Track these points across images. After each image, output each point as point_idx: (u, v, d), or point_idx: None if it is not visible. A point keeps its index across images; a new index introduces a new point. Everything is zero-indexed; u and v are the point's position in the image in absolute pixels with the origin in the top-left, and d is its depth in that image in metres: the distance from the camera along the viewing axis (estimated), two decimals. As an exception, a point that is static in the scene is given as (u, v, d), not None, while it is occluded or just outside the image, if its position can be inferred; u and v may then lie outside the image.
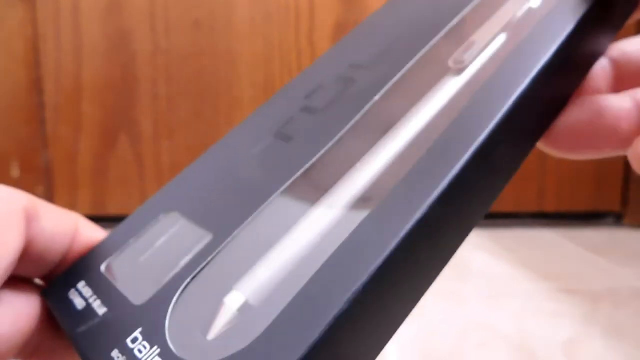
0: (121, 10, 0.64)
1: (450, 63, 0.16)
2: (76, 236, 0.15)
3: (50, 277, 0.15)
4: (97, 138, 0.65)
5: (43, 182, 0.65)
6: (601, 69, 0.17)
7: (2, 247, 0.12)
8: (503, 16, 0.17)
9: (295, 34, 0.65)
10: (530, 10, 0.16)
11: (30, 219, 0.14)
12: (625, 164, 0.63)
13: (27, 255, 0.14)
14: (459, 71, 0.16)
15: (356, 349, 0.11)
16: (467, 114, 0.13)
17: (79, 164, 0.65)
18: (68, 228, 0.15)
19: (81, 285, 0.14)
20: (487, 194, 0.14)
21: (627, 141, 0.16)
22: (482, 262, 0.55)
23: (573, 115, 0.16)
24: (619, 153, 0.16)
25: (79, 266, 0.15)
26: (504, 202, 0.66)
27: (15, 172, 0.65)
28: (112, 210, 0.65)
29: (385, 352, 0.39)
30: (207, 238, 0.14)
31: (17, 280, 0.14)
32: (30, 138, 0.65)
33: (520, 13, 0.17)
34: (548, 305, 0.47)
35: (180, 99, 0.65)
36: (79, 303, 0.14)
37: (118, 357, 0.12)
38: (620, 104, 0.16)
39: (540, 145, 0.16)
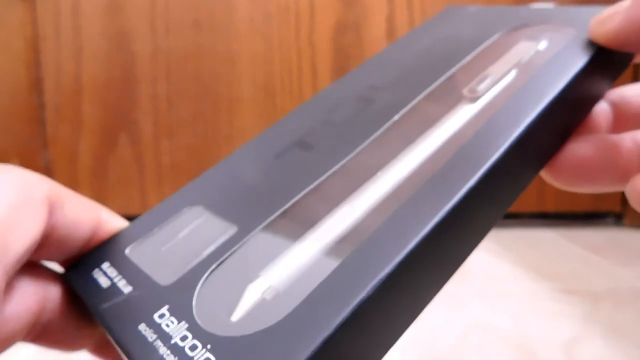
0: (121, 11, 0.64)
1: (465, 92, 0.18)
2: (98, 225, 0.16)
3: (69, 262, 0.16)
4: (97, 138, 0.65)
5: (43, 182, 0.65)
6: (602, 110, 0.19)
7: (21, 234, 0.13)
8: (514, 55, 0.19)
9: (295, 34, 0.65)
10: (538, 52, 0.19)
11: (53, 206, 0.14)
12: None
13: (49, 241, 0.14)
14: (473, 100, 0.17)
15: (365, 347, 0.12)
16: (477, 140, 0.15)
17: (79, 164, 0.65)
18: (90, 217, 0.15)
19: (105, 265, 0.15)
20: (488, 216, 0.15)
21: (625, 178, 0.17)
22: (482, 262, 0.55)
23: (576, 150, 0.17)
24: (617, 189, 0.18)
25: (103, 249, 0.16)
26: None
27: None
28: (112, 210, 0.65)
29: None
30: (232, 230, 0.15)
31: (34, 264, 0.15)
32: (30, 138, 0.65)
33: (529, 54, 0.19)
34: (548, 305, 0.47)
35: (180, 99, 0.65)
36: (104, 282, 0.14)
37: (145, 331, 0.12)
38: (621, 142, 0.17)
39: (544, 175, 0.17)
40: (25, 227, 0.13)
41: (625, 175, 0.17)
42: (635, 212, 0.67)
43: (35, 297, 0.14)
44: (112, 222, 0.16)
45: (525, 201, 0.66)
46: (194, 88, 0.65)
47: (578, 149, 0.17)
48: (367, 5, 0.65)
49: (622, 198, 0.65)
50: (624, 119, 0.19)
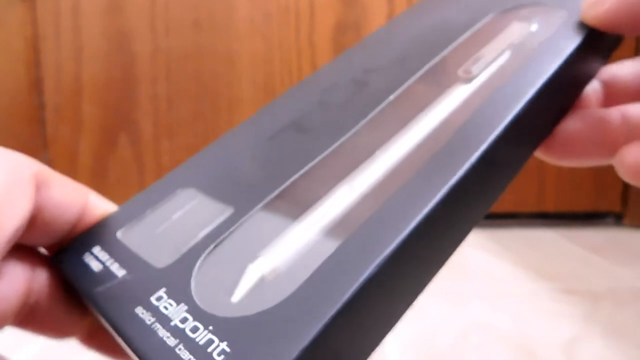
0: (121, 11, 0.64)
1: (460, 72, 0.18)
2: (86, 208, 0.15)
3: (56, 247, 0.15)
4: (97, 138, 0.65)
5: (43, 182, 0.65)
6: (592, 89, 0.19)
7: (12, 213, 0.12)
8: (507, 36, 0.19)
9: (295, 34, 0.65)
10: (530, 33, 0.19)
11: (40, 186, 0.14)
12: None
13: (36, 223, 0.14)
14: (468, 80, 0.17)
15: (368, 327, 0.12)
16: (475, 120, 0.15)
17: (79, 164, 0.65)
18: (78, 198, 0.15)
19: (96, 249, 0.15)
20: (487, 196, 0.15)
21: (613, 150, 0.17)
22: (482, 262, 0.55)
23: (566, 125, 0.18)
24: (606, 162, 0.18)
25: (93, 233, 0.15)
26: (504, 202, 0.66)
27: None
28: (112, 210, 0.65)
29: (385, 352, 0.39)
30: (227, 211, 0.15)
31: (19, 246, 0.15)
32: (30, 138, 0.65)
33: (522, 35, 0.19)
34: (548, 305, 0.47)
35: (180, 99, 0.65)
36: (96, 266, 0.14)
37: (142, 314, 0.12)
38: (609, 116, 0.18)
39: (538, 153, 0.18)
40: (16, 206, 0.13)
41: (613, 148, 0.17)
42: (635, 212, 0.67)
43: (23, 278, 0.14)
44: (101, 205, 0.16)
45: (525, 201, 0.66)
46: (194, 88, 0.65)
47: (567, 124, 0.18)
48: (367, 5, 0.65)
49: (622, 198, 0.65)
50: (613, 95, 0.19)
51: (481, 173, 0.14)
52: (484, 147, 0.14)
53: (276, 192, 0.15)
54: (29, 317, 0.15)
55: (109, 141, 0.65)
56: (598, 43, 0.18)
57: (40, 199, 0.14)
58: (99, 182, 0.65)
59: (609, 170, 0.18)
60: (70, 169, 0.65)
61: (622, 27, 0.17)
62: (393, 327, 0.13)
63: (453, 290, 0.49)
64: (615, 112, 0.18)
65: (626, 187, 0.65)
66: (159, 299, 0.12)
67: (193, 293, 0.12)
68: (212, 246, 0.14)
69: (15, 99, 0.65)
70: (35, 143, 0.65)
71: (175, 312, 0.12)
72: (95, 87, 0.65)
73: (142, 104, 0.65)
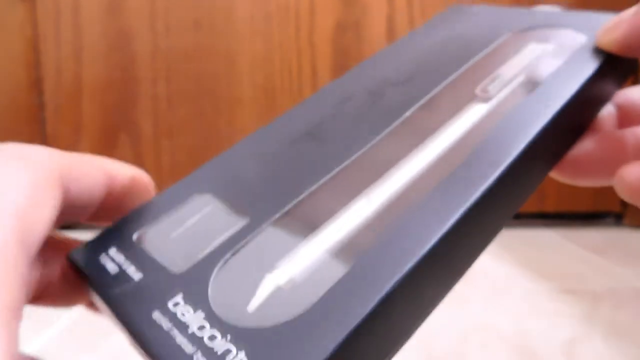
0: (121, 11, 0.64)
1: (478, 91, 0.18)
2: (111, 182, 0.15)
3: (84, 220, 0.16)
4: (97, 138, 0.65)
5: (43, 182, 0.65)
6: (607, 112, 0.19)
7: (39, 216, 0.12)
8: (525, 56, 0.19)
9: (295, 34, 0.65)
10: (547, 55, 0.19)
11: (66, 180, 0.14)
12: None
13: (63, 212, 0.14)
14: (485, 99, 0.18)
15: (386, 340, 0.12)
16: (492, 141, 0.15)
17: (79, 164, 0.65)
18: (99, 177, 0.15)
19: (112, 251, 0.15)
20: (501, 215, 0.15)
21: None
22: (482, 262, 0.55)
23: (583, 147, 0.18)
24: None
25: (108, 234, 0.15)
26: (504, 202, 0.65)
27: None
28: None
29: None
30: (243, 220, 0.15)
31: None
32: (30, 138, 0.65)
33: (539, 56, 0.19)
34: (548, 305, 0.47)
35: (180, 99, 0.65)
36: (112, 268, 0.14)
37: (160, 319, 0.12)
38: (624, 137, 0.18)
39: (552, 172, 0.18)
40: (44, 209, 0.13)
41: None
42: (635, 212, 0.67)
43: (41, 262, 0.14)
44: (121, 172, 0.16)
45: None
46: (194, 88, 0.65)
47: (582, 145, 0.18)
48: (367, 5, 0.65)
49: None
50: (628, 118, 0.20)
51: (496, 194, 0.14)
52: (501, 168, 0.14)
53: (292, 203, 0.15)
54: (41, 293, 0.15)
55: (109, 141, 0.65)
56: (614, 67, 0.18)
57: (68, 192, 0.14)
58: (99, 182, 0.65)
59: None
60: (70, 169, 0.65)
61: (637, 51, 0.17)
62: (408, 339, 0.13)
63: (453, 290, 0.49)
64: (629, 134, 0.18)
65: (626, 187, 0.65)
66: (176, 304, 0.12)
67: (210, 300, 0.12)
68: (229, 254, 0.14)
69: (15, 99, 0.65)
70: (35, 143, 0.65)
71: (193, 319, 0.12)
72: (95, 87, 0.65)
73: (142, 104, 0.65)
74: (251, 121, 0.65)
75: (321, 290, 0.12)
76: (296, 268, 0.13)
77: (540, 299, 0.48)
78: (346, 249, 0.13)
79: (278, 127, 0.19)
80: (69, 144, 0.65)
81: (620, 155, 0.18)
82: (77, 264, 0.15)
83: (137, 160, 0.65)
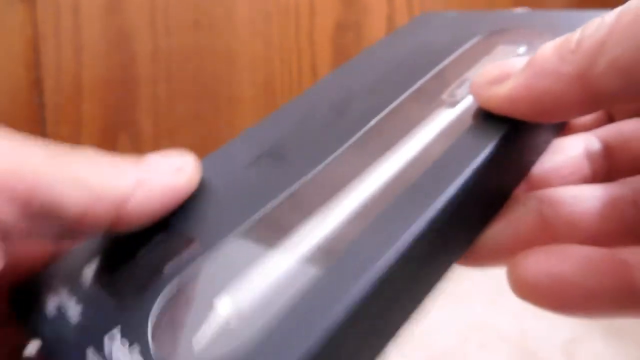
0: (121, 10, 0.64)
1: (444, 96, 0.17)
2: (94, 208, 0.13)
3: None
4: (97, 138, 0.65)
5: (43, 182, 0.65)
6: (590, 153, 0.16)
7: None
8: (493, 59, 0.19)
9: (295, 34, 0.65)
10: (517, 56, 0.18)
11: (28, 204, 0.12)
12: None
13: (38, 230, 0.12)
14: (453, 104, 0.17)
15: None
16: (453, 150, 0.14)
17: (79, 164, 0.65)
18: (76, 206, 0.13)
19: (56, 287, 0.14)
20: (467, 231, 0.14)
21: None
22: (482, 262, 0.55)
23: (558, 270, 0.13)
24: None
25: (53, 269, 0.15)
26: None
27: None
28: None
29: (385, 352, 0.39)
30: (195, 243, 0.14)
31: None
32: (30, 138, 0.65)
33: (508, 58, 0.18)
34: (548, 305, 0.47)
35: (180, 99, 0.65)
36: (52, 305, 0.14)
37: (93, 355, 0.12)
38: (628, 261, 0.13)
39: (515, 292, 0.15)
40: None
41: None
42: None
43: None
44: (112, 191, 0.13)
45: (525, 201, 0.66)
46: (194, 88, 0.65)
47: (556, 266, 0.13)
48: (367, 5, 0.65)
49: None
50: (621, 164, 0.16)
51: (459, 205, 0.13)
52: (460, 179, 0.13)
53: (245, 223, 0.14)
54: None
55: (109, 141, 0.65)
56: None
57: (27, 211, 0.12)
58: (99, 182, 0.65)
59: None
60: (70, 169, 0.65)
61: (526, 115, 0.13)
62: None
63: (453, 290, 0.49)
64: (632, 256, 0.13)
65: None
66: (112, 337, 0.12)
67: (149, 333, 0.12)
68: (175, 282, 0.13)
69: (15, 99, 0.65)
70: (35, 143, 0.65)
71: (127, 352, 0.11)
72: (95, 87, 0.65)
73: (142, 104, 0.65)
74: (251, 121, 0.65)
75: (270, 319, 0.11)
76: (245, 294, 0.12)
77: (540, 299, 0.48)
78: (300, 271, 0.12)
79: (238, 147, 0.18)
80: (69, 144, 0.65)
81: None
82: (15, 305, 0.14)
83: (137, 160, 0.65)
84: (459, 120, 0.16)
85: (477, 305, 0.47)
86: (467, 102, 0.17)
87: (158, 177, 0.15)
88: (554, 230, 0.14)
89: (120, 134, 0.65)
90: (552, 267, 0.13)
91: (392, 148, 0.15)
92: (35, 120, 0.66)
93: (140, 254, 0.14)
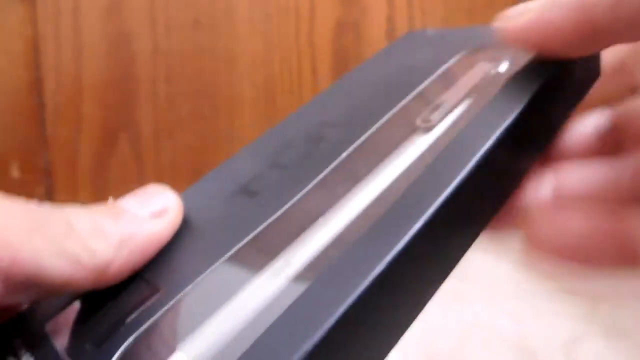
0: (121, 10, 0.64)
1: (419, 122, 0.17)
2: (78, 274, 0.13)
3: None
4: (97, 138, 0.65)
5: (43, 183, 0.65)
6: (597, 129, 0.17)
7: None
8: (471, 78, 0.18)
9: (295, 34, 0.65)
10: (497, 74, 0.17)
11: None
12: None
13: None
14: (427, 130, 0.16)
15: None
16: (427, 176, 0.14)
17: (79, 164, 0.65)
18: (60, 276, 0.12)
19: (18, 343, 0.13)
20: (447, 255, 0.14)
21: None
22: (482, 262, 0.55)
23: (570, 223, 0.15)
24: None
25: (18, 324, 0.14)
26: (504, 202, 0.65)
27: (15, 172, 0.65)
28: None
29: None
30: (156, 294, 0.13)
31: None
32: (30, 138, 0.65)
33: (488, 76, 0.17)
34: (548, 305, 0.47)
35: (180, 98, 0.65)
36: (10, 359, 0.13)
37: None
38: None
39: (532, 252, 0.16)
40: None
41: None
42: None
43: None
44: (135, 237, 0.13)
45: (525, 201, 0.66)
46: (194, 88, 0.65)
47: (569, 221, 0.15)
48: (367, 5, 0.65)
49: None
50: (632, 140, 0.17)
51: (433, 237, 0.13)
52: (429, 211, 0.12)
53: (209, 269, 0.13)
54: None
55: (109, 141, 0.65)
56: (567, 79, 0.17)
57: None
58: (99, 182, 0.65)
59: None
60: (70, 169, 0.65)
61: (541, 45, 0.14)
62: None
63: (453, 291, 0.49)
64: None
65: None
66: None
67: None
68: (134, 334, 0.12)
69: (15, 99, 0.65)
70: (35, 143, 0.65)
71: None
72: (95, 87, 0.65)
73: (142, 104, 0.65)
74: (251, 121, 0.65)
75: None
76: (200, 349, 0.12)
77: (540, 299, 0.48)
78: (262, 317, 0.12)
79: (208, 184, 0.17)
80: (69, 144, 0.65)
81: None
82: None
83: (137, 160, 0.65)
84: (433, 146, 0.15)
85: (478, 306, 0.47)
86: (442, 127, 0.16)
87: (140, 230, 0.14)
88: (566, 198, 0.16)
89: (120, 134, 0.65)
90: (561, 225, 0.15)
91: (365, 177, 0.15)
92: (35, 120, 0.66)
93: (105, 304, 0.14)
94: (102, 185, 0.65)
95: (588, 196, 0.16)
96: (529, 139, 0.16)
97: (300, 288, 0.11)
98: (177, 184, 0.18)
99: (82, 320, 0.14)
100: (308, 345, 0.10)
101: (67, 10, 0.64)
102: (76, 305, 0.14)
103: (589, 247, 0.15)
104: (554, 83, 0.16)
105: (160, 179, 0.68)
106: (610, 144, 0.17)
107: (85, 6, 0.64)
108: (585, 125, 0.18)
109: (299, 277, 0.12)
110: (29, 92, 0.65)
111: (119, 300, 0.14)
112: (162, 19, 0.64)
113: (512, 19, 0.15)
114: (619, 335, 0.42)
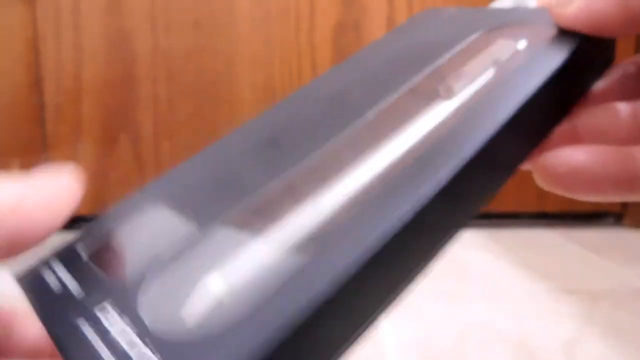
0: (121, 10, 0.64)
1: (441, 89, 0.18)
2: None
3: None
4: (97, 138, 0.65)
5: (43, 182, 0.65)
6: (622, 117, 0.17)
7: None
8: (491, 53, 0.19)
9: (295, 34, 0.65)
10: (517, 51, 0.18)
11: None
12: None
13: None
14: (448, 97, 0.17)
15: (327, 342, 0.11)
16: (450, 138, 0.15)
17: (79, 164, 0.66)
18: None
19: (57, 266, 0.15)
20: (459, 213, 0.15)
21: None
22: (482, 262, 0.55)
23: (582, 161, 0.16)
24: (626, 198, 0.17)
25: (56, 248, 0.15)
26: (504, 202, 0.66)
27: (15, 172, 0.65)
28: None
29: (385, 352, 0.39)
30: (190, 226, 0.14)
31: None
32: (30, 138, 0.65)
33: (508, 52, 0.18)
34: (548, 305, 0.47)
35: (180, 99, 0.65)
36: (54, 283, 0.14)
37: (83, 325, 0.12)
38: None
39: (543, 183, 0.17)
40: None
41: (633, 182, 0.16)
42: (635, 212, 0.67)
43: None
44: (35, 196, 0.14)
45: (525, 201, 0.66)
46: (194, 88, 0.65)
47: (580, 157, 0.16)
48: (367, 5, 0.65)
49: (622, 198, 0.65)
50: None
51: (452, 192, 0.13)
52: (455, 164, 0.13)
53: (240, 206, 0.15)
54: None
55: (109, 141, 0.65)
56: (586, 58, 0.18)
57: None
58: (99, 182, 0.65)
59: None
60: (70, 169, 0.65)
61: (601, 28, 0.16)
62: (352, 344, 0.12)
63: (453, 290, 0.49)
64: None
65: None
66: (102, 309, 0.12)
67: (139, 306, 0.12)
68: (169, 259, 0.13)
69: (15, 99, 0.65)
70: (35, 143, 0.65)
71: (117, 323, 0.12)
72: (95, 87, 0.65)
73: (142, 104, 0.65)
74: (251, 121, 0.65)
75: (260, 297, 0.11)
76: (235, 274, 0.12)
77: (540, 299, 0.48)
78: (291, 253, 0.13)
79: (238, 135, 0.18)
80: (69, 144, 0.65)
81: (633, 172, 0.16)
82: (19, 283, 0.15)
83: (137, 160, 0.65)
84: (455, 113, 0.16)
85: (477, 305, 0.47)
86: (464, 96, 0.17)
87: (41, 193, 0.14)
88: (582, 135, 0.17)
89: (120, 134, 0.65)
90: (569, 157, 0.16)
91: (388, 137, 0.16)
92: (35, 120, 0.66)
93: (139, 236, 0.15)
94: (102, 185, 0.65)
95: (603, 133, 0.17)
96: (557, 103, 0.17)
97: (324, 236, 0.13)
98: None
99: (111, 245, 0.15)
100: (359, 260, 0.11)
101: (67, 10, 0.64)
102: (112, 233, 0.15)
103: (600, 175, 0.16)
104: (585, 55, 0.17)
105: (160, 179, 0.68)
106: (633, 89, 0.18)
107: (85, 6, 0.64)
108: (613, 72, 0.19)
109: (322, 225, 0.13)
110: (29, 92, 0.65)
111: (153, 232, 0.15)
112: (162, 19, 0.64)
113: (564, 7, 0.17)
114: (619, 335, 0.42)
